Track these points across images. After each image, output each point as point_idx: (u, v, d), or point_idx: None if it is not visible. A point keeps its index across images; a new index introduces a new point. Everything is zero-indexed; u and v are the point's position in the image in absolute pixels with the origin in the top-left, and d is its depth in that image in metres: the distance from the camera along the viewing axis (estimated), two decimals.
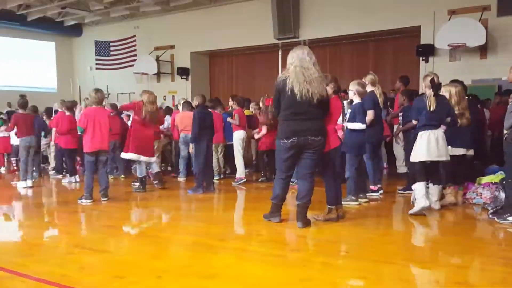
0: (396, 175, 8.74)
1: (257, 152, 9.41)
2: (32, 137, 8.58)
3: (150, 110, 7.54)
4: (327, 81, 5.41)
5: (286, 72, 4.95)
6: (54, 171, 10.44)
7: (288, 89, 4.83)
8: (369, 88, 6.73)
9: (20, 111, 8.66)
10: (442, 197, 6.13)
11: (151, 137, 7.79)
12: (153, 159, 7.91)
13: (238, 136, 8.69)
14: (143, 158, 7.64)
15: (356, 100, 6.22)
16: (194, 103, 7.90)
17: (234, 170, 8.95)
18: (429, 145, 5.53)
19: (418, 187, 5.56)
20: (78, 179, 9.13)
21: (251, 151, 10.30)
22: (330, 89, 5.42)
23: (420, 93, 7.94)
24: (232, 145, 8.94)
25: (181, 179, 9.11)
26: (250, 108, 9.97)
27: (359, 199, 6.31)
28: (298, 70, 4.82)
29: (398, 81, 8.27)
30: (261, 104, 8.81)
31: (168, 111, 11.21)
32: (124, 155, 7.78)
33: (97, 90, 7.04)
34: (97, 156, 6.85)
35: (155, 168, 8.08)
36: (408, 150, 7.21)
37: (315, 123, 4.90)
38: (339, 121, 6.09)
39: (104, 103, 7.47)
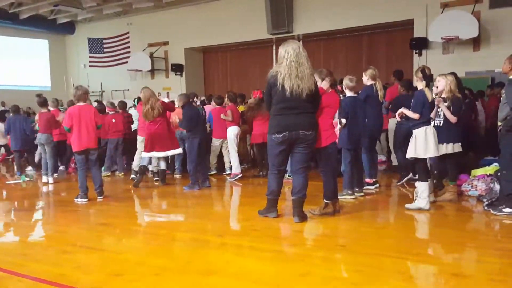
0: (392, 168, 8.77)
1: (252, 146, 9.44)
2: (46, 134, 8.74)
3: (145, 111, 7.62)
4: (322, 75, 5.42)
5: (278, 67, 4.93)
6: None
7: (279, 84, 4.83)
8: (369, 82, 6.77)
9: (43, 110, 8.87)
10: (443, 192, 6.15)
11: (159, 132, 7.74)
12: (169, 153, 7.92)
13: (232, 131, 8.68)
14: (155, 154, 7.79)
15: (348, 94, 6.26)
16: (179, 104, 7.91)
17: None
18: (435, 142, 5.51)
19: (422, 187, 5.50)
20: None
21: (247, 146, 10.30)
22: (326, 83, 5.42)
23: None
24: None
25: (177, 175, 9.12)
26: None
27: (355, 193, 6.34)
28: (293, 66, 4.80)
29: (392, 76, 8.31)
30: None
31: None
32: (142, 155, 7.99)
33: (77, 87, 6.98)
34: (86, 155, 6.82)
35: (162, 166, 8.12)
36: (398, 142, 7.27)
37: (306, 117, 4.91)
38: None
39: (87, 99, 7.34)
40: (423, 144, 5.45)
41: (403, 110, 5.66)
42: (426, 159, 5.59)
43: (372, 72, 6.80)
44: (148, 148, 7.76)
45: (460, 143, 6.01)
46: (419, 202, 5.50)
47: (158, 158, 8.06)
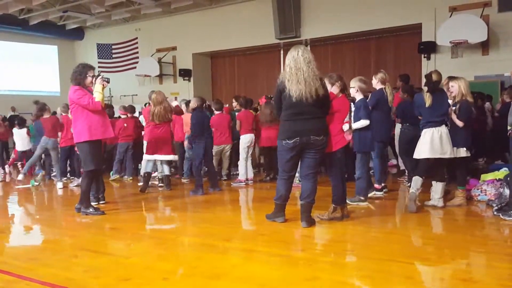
0: (400, 172, 8.75)
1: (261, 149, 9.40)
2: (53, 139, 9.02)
3: (157, 111, 7.61)
4: (332, 80, 5.41)
5: (284, 73, 5.00)
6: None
7: (287, 90, 4.87)
8: (378, 86, 6.75)
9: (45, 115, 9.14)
10: (451, 197, 6.12)
11: (164, 136, 7.77)
12: (170, 157, 7.90)
13: (244, 140, 8.60)
14: (157, 157, 7.78)
15: (359, 97, 6.21)
16: (192, 106, 7.87)
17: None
18: (432, 143, 5.54)
19: (414, 180, 5.70)
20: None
21: (254, 151, 10.25)
22: (336, 88, 5.41)
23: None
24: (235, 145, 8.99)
25: (185, 180, 9.13)
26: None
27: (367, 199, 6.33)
28: (293, 72, 4.85)
29: (399, 80, 8.30)
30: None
31: None
32: (144, 157, 7.98)
33: None
34: None
35: (166, 171, 8.08)
36: (402, 148, 7.27)
37: (316, 122, 4.90)
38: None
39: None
40: (419, 145, 5.72)
41: None
42: (426, 159, 5.69)
43: (382, 76, 6.78)
44: (151, 150, 7.74)
45: (465, 148, 5.96)
46: (410, 195, 5.70)
47: (161, 163, 8.03)
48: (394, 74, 11.36)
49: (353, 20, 12.82)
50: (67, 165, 9.91)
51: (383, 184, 6.96)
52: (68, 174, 10.11)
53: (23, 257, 4.45)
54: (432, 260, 3.94)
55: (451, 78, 6.12)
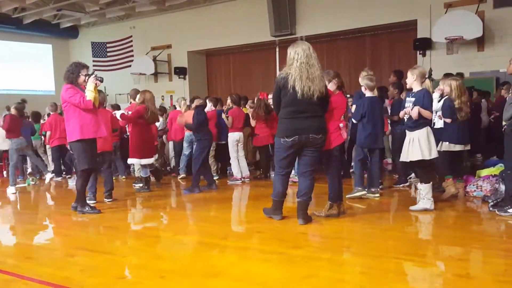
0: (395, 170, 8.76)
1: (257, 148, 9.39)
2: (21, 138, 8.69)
3: (154, 110, 7.55)
4: (329, 77, 5.39)
5: (288, 68, 4.83)
6: (53, 174, 10.42)
7: (290, 87, 4.74)
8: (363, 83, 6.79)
9: (13, 112, 8.82)
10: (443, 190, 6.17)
11: (152, 138, 7.76)
12: (152, 160, 7.83)
13: (232, 137, 8.55)
14: (144, 161, 7.64)
15: (368, 94, 6.25)
16: (196, 103, 7.86)
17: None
18: (433, 142, 5.50)
19: (426, 189, 5.49)
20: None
21: (250, 149, 10.24)
22: (333, 85, 5.40)
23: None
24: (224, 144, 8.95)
25: (181, 178, 9.11)
26: (247, 106, 9.93)
27: (371, 193, 6.39)
28: (303, 67, 4.72)
29: (392, 75, 8.31)
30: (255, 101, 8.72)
31: (163, 111, 11.24)
32: (129, 161, 7.89)
33: (100, 91, 7.05)
34: (101, 158, 6.85)
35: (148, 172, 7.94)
36: (394, 143, 7.28)
37: (316, 121, 4.87)
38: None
39: (105, 104, 7.42)
40: (427, 144, 5.42)
41: (419, 109, 5.34)
42: (426, 160, 5.52)
43: (364, 74, 6.81)
44: (149, 153, 7.64)
45: (448, 142, 6.10)
46: (424, 203, 5.48)
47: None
48: (389, 71, 11.35)
49: (348, 17, 12.83)
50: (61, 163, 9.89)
51: (379, 181, 6.96)
52: (64, 172, 10.09)
53: (19, 256, 4.44)
54: (429, 256, 3.95)
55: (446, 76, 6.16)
